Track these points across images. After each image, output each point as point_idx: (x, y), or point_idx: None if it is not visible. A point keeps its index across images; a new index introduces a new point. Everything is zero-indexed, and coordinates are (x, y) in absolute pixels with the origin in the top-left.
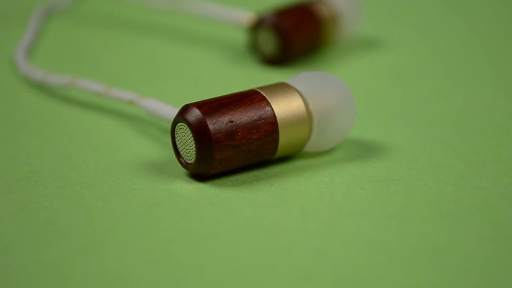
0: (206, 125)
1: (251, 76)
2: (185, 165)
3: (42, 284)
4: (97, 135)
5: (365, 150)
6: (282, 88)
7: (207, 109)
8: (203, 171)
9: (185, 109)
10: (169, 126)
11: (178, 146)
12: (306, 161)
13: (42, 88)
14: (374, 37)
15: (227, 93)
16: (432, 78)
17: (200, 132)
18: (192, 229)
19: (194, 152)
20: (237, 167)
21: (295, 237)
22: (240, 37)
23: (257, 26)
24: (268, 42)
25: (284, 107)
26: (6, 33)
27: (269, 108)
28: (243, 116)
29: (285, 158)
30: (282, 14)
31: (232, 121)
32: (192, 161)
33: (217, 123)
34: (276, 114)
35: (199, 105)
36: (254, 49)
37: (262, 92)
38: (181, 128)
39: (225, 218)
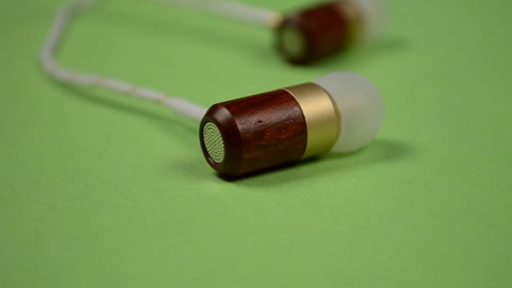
0: (235, 125)
1: (277, 77)
2: (213, 164)
3: (74, 283)
4: (124, 135)
5: (392, 150)
6: (310, 88)
7: (236, 109)
8: (232, 171)
9: (213, 108)
10: (196, 126)
11: (207, 145)
12: (334, 162)
13: (68, 87)
14: (399, 38)
15: (253, 93)
16: (459, 78)
17: (229, 132)
18: (222, 229)
19: (223, 152)
20: (265, 167)
21: (326, 238)
22: (266, 37)
23: (283, 26)
24: (294, 43)
25: (312, 107)
26: (31, 32)
27: (297, 108)
28: (271, 116)
29: (313, 158)
30: (308, 14)
31: (260, 121)
32: (221, 161)
33: (246, 123)
34: (305, 114)
35: (228, 105)
36: (279, 49)
37: (290, 92)
38: (209, 128)
39: (255, 218)
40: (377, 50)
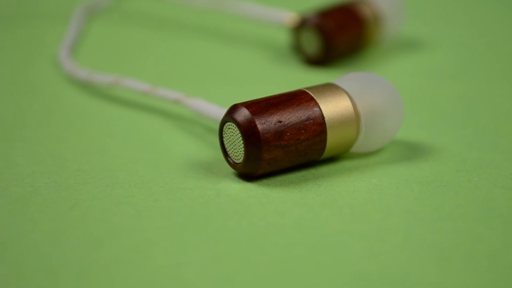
0: (255, 125)
1: (294, 77)
2: (233, 164)
3: (95, 282)
4: (143, 135)
5: (412, 151)
6: (330, 88)
7: (255, 109)
8: (251, 171)
9: (233, 108)
10: (214, 126)
11: (226, 145)
12: (353, 162)
13: (86, 87)
14: (416, 37)
15: (270, 93)
16: (477, 78)
17: (249, 132)
18: (242, 229)
19: (243, 152)
20: (285, 167)
21: (346, 238)
22: (283, 38)
23: (300, 26)
24: (311, 43)
25: (332, 107)
26: (48, 32)
27: (317, 109)
28: (291, 116)
29: (332, 159)
30: (325, 14)
31: (280, 121)
32: (240, 161)
33: (265, 123)
34: (324, 115)
35: (248, 105)
36: (296, 49)
37: (310, 93)
38: (229, 128)
39: (275, 218)
40: (394, 50)
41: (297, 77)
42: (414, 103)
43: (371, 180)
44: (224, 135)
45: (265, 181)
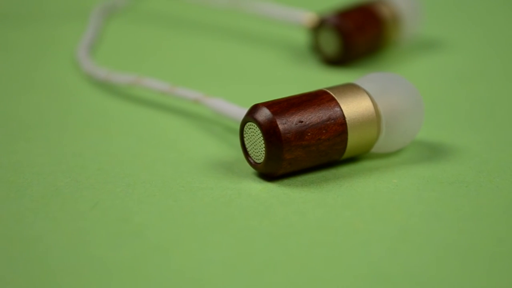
0: (276, 125)
1: (312, 77)
2: (253, 164)
3: (117, 281)
4: (163, 134)
5: (432, 151)
6: (351, 88)
7: (277, 109)
8: (272, 171)
9: (254, 108)
10: (234, 126)
11: (247, 145)
12: (374, 162)
13: (105, 86)
14: (435, 38)
15: (289, 93)
16: (496, 79)
17: (270, 132)
18: (264, 229)
19: (264, 152)
20: (306, 167)
21: (368, 238)
22: (301, 38)
23: (319, 26)
24: (330, 43)
25: (353, 107)
26: (66, 32)
27: (338, 109)
28: (312, 117)
29: (353, 159)
30: (344, 15)
31: (301, 121)
32: (261, 160)
33: (287, 123)
34: (345, 115)
35: (269, 105)
36: (315, 49)
37: (331, 93)
38: (250, 128)
39: (297, 218)
40: (412, 50)
41: (315, 77)
42: (433, 104)
43: (392, 181)
44: (245, 135)
45: (285, 181)
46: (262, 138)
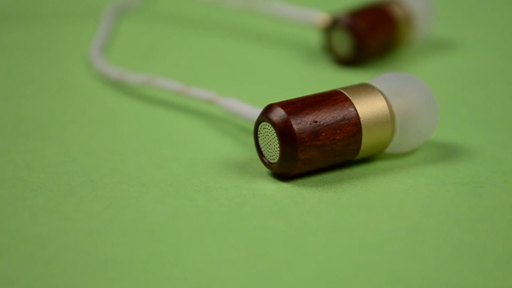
0: (291, 125)
1: (325, 77)
2: (268, 164)
3: (132, 281)
4: (176, 134)
5: (446, 152)
6: (365, 89)
7: (291, 109)
8: (287, 171)
9: (269, 108)
10: (247, 125)
11: (261, 145)
12: (388, 162)
13: (118, 86)
14: (448, 38)
15: (302, 93)
16: (510, 78)
17: (284, 132)
18: (279, 229)
19: (278, 152)
20: (320, 167)
21: (383, 239)
22: (314, 38)
23: (332, 27)
24: (343, 43)
25: (367, 108)
26: (79, 32)
27: (352, 109)
28: (327, 117)
29: (367, 159)
30: (357, 15)
31: (316, 121)
32: (276, 160)
33: (301, 123)
34: (360, 115)
35: (283, 104)
36: (328, 49)
37: (345, 93)
38: (264, 128)
39: (311, 218)
40: (425, 50)
41: (327, 78)
42: (447, 104)
43: (407, 181)
44: (259, 135)
45: (300, 181)
46: (276, 138)
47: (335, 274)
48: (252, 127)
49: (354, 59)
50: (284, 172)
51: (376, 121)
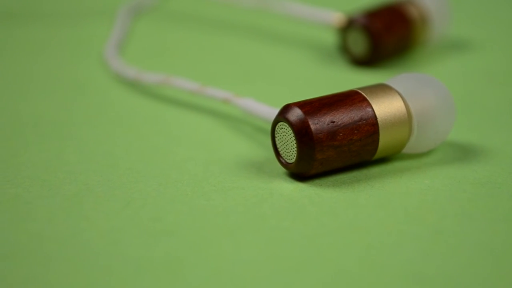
0: (308, 125)
1: (341, 77)
2: (285, 164)
3: (150, 280)
4: (193, 134)
5: (463, 152)
6: (382, 89)
7: (308, 109)
8: (304, 171)
9: (286, 108)
10: (264, 125)
11: (278, 145)
12: (405, 163)
13: (134, 86)
14: (463, 39)
15: (318, 93)
16: None
17: (302, 132)
18: (297, 229)
19: (295, 152)
20: (337, 167)
21: (401, 239)
22: (330, 38)
23: (347, 27)
24: (358, 43)
25: (384, 108)
26: (94, 31)
27: (370, 109)
28: (344, 117)
29: (384, 159)
30: (373, 15)
31: (333, 122)
32: (293, 161)
33: (319, 123)
34: (377, 115)
35: (301, 105)
36: (343, 50)
37: (362, 93)
38: (282, 128)
39: (329, 218)
40: (441, 50)
41: (343, 78)
42: (464, 104)
43: (424, 181)
44: (276, 135)
45: (317, 181)
46: (294, 138)
47: (353, 275)
48: (268, 127)
49: (370, 59)
50: (301, 172)
51: (394, 122)
